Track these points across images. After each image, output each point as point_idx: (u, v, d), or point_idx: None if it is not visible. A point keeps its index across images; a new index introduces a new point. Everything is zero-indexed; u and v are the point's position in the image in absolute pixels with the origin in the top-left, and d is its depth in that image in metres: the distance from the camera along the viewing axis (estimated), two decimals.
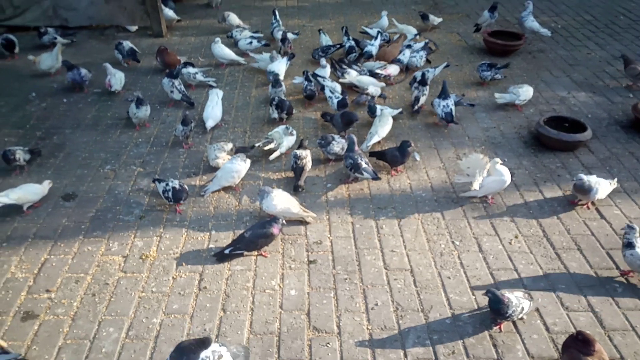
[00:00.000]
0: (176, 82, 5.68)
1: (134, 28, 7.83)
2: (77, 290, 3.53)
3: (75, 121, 5.56)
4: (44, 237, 3.99)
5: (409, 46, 6.71)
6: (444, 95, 5.24)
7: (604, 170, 4.68)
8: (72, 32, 7.57)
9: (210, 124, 5.23)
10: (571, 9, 8.63)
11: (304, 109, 5.76)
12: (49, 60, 6.36)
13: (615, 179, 4.30)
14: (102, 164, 4.85)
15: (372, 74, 6.10)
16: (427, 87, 5.55)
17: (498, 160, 4.29)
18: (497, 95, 5.64)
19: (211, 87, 6.16)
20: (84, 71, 6.03)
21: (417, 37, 7.17)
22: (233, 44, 7.05)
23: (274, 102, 5.35)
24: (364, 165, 4.42)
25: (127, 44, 6.76)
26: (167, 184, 4.15)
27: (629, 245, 3.48)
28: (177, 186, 4.14)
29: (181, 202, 4.19)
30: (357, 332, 3.23)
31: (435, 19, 7.74)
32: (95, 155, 4.99)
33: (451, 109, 5.20)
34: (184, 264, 3.75)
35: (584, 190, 4.07)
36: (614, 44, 7.23)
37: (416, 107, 5.49)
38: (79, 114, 5.70)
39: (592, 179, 4.10)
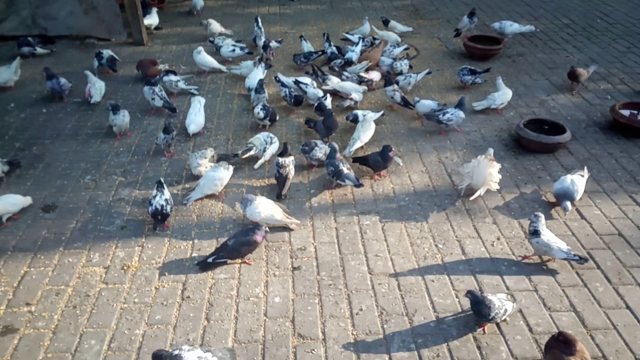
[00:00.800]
0: (157, 89, 5.64)
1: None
2: (57, 302, 3.47)
3: (55, 131, 5.50)
4: (24, 249, 3.93)
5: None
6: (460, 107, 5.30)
7: None
8: (52, 42, 7.48)
9: (192, 129, 5.20)
10: (549, 12, 8.77)
11: (286, 115, 5.76)
12: (5, 74, 6.23)
13: (585, 168, 4.40)
14: (82, 174, 4.80)
15: (360, 80, 6.14)
16: (393, 85, 5.69)
17: (490, 151, 4.39)
18: (474, 104, 5.72)
19: (193, 94, 6.14)
20: (63, 80, 5.96)
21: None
22: (215, 52, 7.04)
23: (260, 107, 5.33)
24: (345, 172, 4.42)
25: (107, 52, 6.71)
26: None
27: (535, 232, 3.66)
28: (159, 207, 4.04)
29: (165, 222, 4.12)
30: (342, 337, 3.22)
31: (397, 26, 7.63)
32: (75, 165, 4.93)
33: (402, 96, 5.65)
34: (166, 273, 3.71)
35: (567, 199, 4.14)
36: (591, 47, 7.36)
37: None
38: (59, 124, 5.63)
39: (570, 184, 4.14)
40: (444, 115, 5.22)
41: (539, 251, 3.73)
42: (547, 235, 3.68)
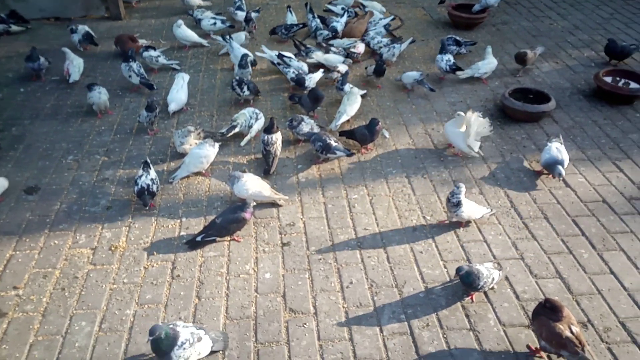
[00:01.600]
0: (134, 65, 5.50)
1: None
2: (45, 285, 3.45)
3: (34, 111, 5.37)
4: (8, 232, 3.87)
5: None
6: (444, 51, 5.70)
7: (568, 140, 4.78)
8: (27, 20, 7.19)
9: (172, 107, 5.10)
10: None
11: (272, 90, 5.67)
12: None
13: (560, 136, 4.49)
14: (64, 155, 4.71)
15: (347, 54, 6.03)
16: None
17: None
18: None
19: (174, 70, 6.02)
20: (41, 59, 5.79)
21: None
22: (195, 25, 6.88)
23: (244, 83, 5.24)
24: (334, 144, 4.40)
25: (83, 28, 6.50)
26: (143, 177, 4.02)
27: (458, 204, 3.68)
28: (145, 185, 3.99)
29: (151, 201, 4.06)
30: (333, 311, 3.25)
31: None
32: (56, 145, 4.83)
33: (454, 62, 5.67)
34: (155, 253, 3.69)
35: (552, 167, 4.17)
36: (575, 14, 7.34)
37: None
38: (38, 104, 5.49)
39: (556, 151, 4.18)
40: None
41: (463, 219, 3.81)
42: (467, 205, 3.74)
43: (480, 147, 4.58)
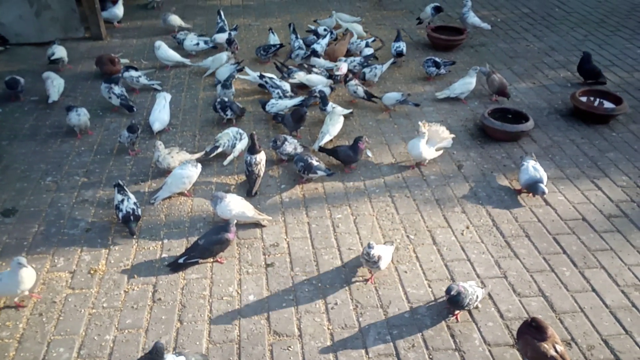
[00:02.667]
0: (116, 87, 5.47)
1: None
2: (22, 311, 3.34)
3: (12, 132, 5.27)
4: None
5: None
6: (398, 39, 6.61)
7: (547, 158, 4.86)
8: (5, 39, 7.08)
9: (157, 127, 5.07)
10: (509, 2, 8.92)
11: (254, 109, 5.68)
12: None
13: (533, 154, 4.57)
14: (42, 176, 4.62)
15: (329, 75, 6.07)
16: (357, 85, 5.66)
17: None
18: (437, 93, 5.86)
19: (156, 90, 5.99)
20: (21, 81, 5.72)
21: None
22: (177, 46, 6.88)
23: (226, 104, 5.24)
24: (315, 164, 4.41)
25: (52, 49, 6.40)
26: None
27: (378, 259, 3.44)
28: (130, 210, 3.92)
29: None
30: (318, 333, 3.22)
31: (342, 16, 7.53)
32: (35, 166, 4.74)
33: (402, 49, 6.53)
34: (135, 276, 3.62)
35: (534, 186, 4.23)
36: (551, 36, 7.54)
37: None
38: (16, 124, 5.40)
39: (534, 170, 4.26)
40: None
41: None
42: (384, 254, 3.51)
43: (460, 167, 4.64)
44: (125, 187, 4.03)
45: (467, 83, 5.76)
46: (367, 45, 6.66)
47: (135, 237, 3.91)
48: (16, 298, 3.38)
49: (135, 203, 3.97)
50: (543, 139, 5.18)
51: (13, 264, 3.26)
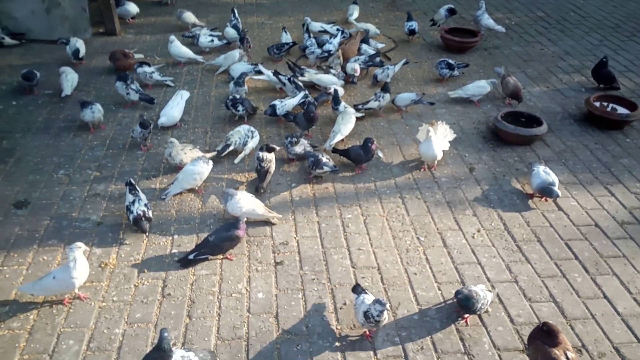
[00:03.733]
0: (131, 83, 5.51)
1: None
2: (33, 302, 3.37)
3: (26, 125, 5.31)
4: None
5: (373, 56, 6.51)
6: (409, 18, 7.25)
7: (560, 163, 4.82)
8: (22, 33, 7.15)
9: (162, 120, 5.06)
10: (524, 5, 8.87)
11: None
12: None
13: (541, 160, 4.52)
14: (55, 169, 4.65)
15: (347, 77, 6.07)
16: (388, 94, 5.48)
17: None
18: (450, 92, 5.85)
19: (168, 86, 6.02)
20: (37, 75, 5.78)
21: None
22: (191, 43, 6.91)
23: (238, 101, 5.25)
24: (324, 160, 4.42)
25: (75, 44, 6.46)
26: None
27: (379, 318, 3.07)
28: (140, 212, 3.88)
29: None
30: (326, 332, 3.21)
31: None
32: (47, 160, 4.78)
33: (415, 27, 7.17)
34: (146, 270, 3.63)
35: (549, 191, 4.20)
36: (565, 40, 7.48)
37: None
38: (30, 117, 5.44)
39: (545, 174, 4.24)
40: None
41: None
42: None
43: (472, 169, 4.62)
44: (136, 187, 4.01)
45: (481, 87, 5.72)
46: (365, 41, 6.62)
47: (146, 234, 3.92)
48: (69, 294, 3.38)
49: (146, 204, 3.93)
50: (556, 144, 5.14)
51: (70, 253, 3.26)
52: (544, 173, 4.25)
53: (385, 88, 5.44)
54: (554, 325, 2.85)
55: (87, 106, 5.05)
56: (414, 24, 7.19)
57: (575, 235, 4.00)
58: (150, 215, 3.93)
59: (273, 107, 5.25)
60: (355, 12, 7.77)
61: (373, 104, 5.42)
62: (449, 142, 4.87)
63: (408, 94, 5.56)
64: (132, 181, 4.03)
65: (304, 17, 7.18)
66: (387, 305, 3.01)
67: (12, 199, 4.27)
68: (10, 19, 7.11)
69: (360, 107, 5.43)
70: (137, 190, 3.98)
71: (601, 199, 4.39)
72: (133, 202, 3.90)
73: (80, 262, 3.29)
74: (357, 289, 3.26)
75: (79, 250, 3.31)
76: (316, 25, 7.21)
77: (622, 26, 7.97)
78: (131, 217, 3.86)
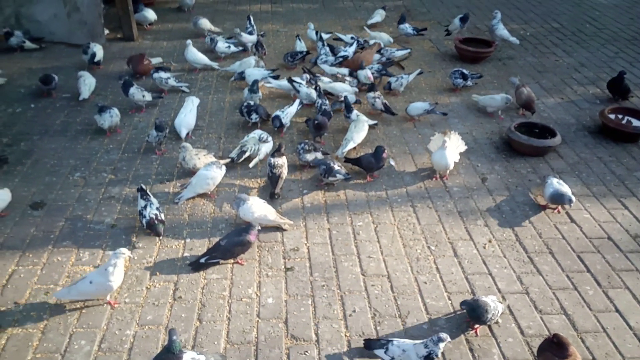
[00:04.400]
0: (140, 88, 5.68)
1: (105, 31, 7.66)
2: (46, 302, 3.42)
3: (44, 127, 5.41)
4: (12, 247, 3.86)
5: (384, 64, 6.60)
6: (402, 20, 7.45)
7: (573, 175, 4.80)
8: (41, 37, 7.31)
9: (184, 132, 5.09)
10: (539, 16, 8.85)
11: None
12: None
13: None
14: (71, 171, 4.73)
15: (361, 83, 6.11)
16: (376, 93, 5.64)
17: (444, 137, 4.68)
18: (474, 95, 5.87)
19: (184, 92, 6.10)
20: (55, 78, 5.90)
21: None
22: (206, 48, 7.00)
23: (252, 107, 5.31)
24: (336, 168, 4.44)
25: (92, 49, 6.60)
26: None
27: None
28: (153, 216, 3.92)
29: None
30: (335, 339, 3.22)
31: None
32: (64, 162, 4.86)
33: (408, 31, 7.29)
34: (158, 273, 3.67)
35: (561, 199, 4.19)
36: (580, 51, 7.45)
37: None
38: (47, 120, 5.54)
39: (558, 184, 4.24)
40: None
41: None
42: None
43: (484, 180, 4.61)
44: (147, 192, 4.05)
45: (494, 100, 5.69)
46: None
47: (159, 238, 3.96)
48: (107, 297, 3.42)
49: (158, 208, 3.97)
50: (570, 155, 5.11)
51: (112, 258, 3.30)
52: (557, 183, 4.24)
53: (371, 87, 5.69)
54: (565, 338, 2.83)
55: (106, 111, 5.13)
56: (405, 27, 7.37)
57: (588, 248, 3.97)
58: (163, 218, 3.97)
59: (278, 118, 5.19)
60: (377, 16, 7.89)
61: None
62: (460, 153, 4.85)
63: (421, 103, 5.57)
64: (143, 187, 4.07)
65: (307, 24, 7.32)
66: (444, 336, 2.89)
67: (29, 200, 4.35)
68: (33, 22, 7.29)
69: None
70: (148, 195, 4.03)
71: (614, 211, 4.35)
72: (145, 206, 3.94)
73: (119, 267, 3.34)
74: (375, 344, 3.06)
75: (122, 257, 3.35)
76: (311, 34, 7.22)
77: (638, 39, 7.92)
78: (144, 221, 3.91)
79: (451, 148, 4.67)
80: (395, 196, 4.51)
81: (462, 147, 4.89)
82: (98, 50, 6.62)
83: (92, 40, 7.00)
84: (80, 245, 3.90)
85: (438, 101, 5.99)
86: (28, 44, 7.05)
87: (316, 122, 5.00)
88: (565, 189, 4.20)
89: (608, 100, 6.11)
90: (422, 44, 7.71)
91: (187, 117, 5.19)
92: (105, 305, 3.40)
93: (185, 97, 5.50)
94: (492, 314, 3.16)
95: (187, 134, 5.20)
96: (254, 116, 5.30)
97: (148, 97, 5.63)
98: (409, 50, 7.02)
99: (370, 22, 7.93)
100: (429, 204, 4.42)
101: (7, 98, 5.95)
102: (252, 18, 7.32)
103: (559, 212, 4.32)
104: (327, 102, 5.50)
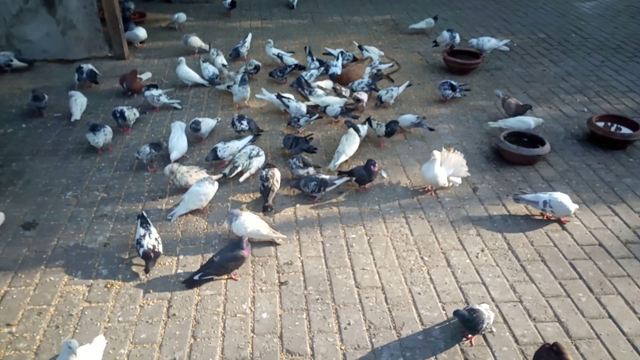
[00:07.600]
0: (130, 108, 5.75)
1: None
2: (39, 322, 3.40)
3: (35, 147, 5.41)
4: (4, 268, 3.84)
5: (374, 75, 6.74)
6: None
7: (563, 183, 4.84)
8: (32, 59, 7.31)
9: (175, 155, 5.03)
10: (526, 27, 8.99)
11: (272, 128, 5.76)
12: None
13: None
14: (63, 191, 4.72)
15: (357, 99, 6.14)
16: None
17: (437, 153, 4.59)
18: (490, 123, 5.71)
19: (175, 109, 6.12)
20: (45, 97, 5.91)
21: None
22: (198, 65, 7.05)
23: (244, 117, 5.37)
24: (329, 176, 4.48)
25: (87, 67, 6.64)
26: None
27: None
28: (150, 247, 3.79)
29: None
30: (330, 353, 3.21)
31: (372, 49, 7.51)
32: (56, 181, 4.85)
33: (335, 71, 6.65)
34: (151, 291, 3.66)
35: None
36: (567, 61, 7.56)
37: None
38: (39, 140, 5.54)
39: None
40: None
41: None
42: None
43: (475, 189, 4.64)
44: (148, 220, 3.93)
45: (525, 122, 5.46)
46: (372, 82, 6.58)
47: (147, 275, 3.80)
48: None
49: (157, 239, 3.86)
50: (559, 164, 5.17)
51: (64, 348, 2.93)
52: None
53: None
54: (564, 347, 2.84)
55: (100, 129, 5.14)
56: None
57: (580, 255, 4.00)
58: (160, 250, 3.85)
59: (214, 151, 4.98)
60: (423, 23, 8.58)
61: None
62: (453, 182, 4.71)
63: (410, 115, 5.62)
64: (144, 214, 3.96)
65: (308, 41, 7.33)
66: None
67: (21, 220, 4.33)
68: (25, 42, 7.29)
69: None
70: (149, 224, 3.90)
71: (605, 218, 4.40)
72: (144, 235, 3.80)
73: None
74: None
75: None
76: (274, 51, 7.25)
77: (623, 47, 8.05)
78: (141, 251, 3.75)
79: (445, 164, 4.63)
80: (387, 208, 4.53)
81: (463, 171, 4.71)
82: (91, 68, 6.67)
83: (90, 54, 7.20)
84: (73, 264, 3.88)
85: (428, 113, 6.05)
86: (16, 62, 7.03)
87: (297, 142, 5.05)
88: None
89: (596, 108, 6.18)
90: (411, 56, 7.80)
91: (179, 140, 5.12)
92: (99, 324, 3.38)
93: (177, 114, 5.51)
94: (487, 323, 3.17)
95: (184, 155, 5.19)
96: (244, 123, 5.35)
97: (137, 113, 5.72)
98: (391, 64, 7.10)
99: (414, 26, 8.57)
100: (421, 214, 4.45)
101: None
102: (250, 35, 7.38)
103: (548, 218, 4.36)
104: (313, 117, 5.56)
